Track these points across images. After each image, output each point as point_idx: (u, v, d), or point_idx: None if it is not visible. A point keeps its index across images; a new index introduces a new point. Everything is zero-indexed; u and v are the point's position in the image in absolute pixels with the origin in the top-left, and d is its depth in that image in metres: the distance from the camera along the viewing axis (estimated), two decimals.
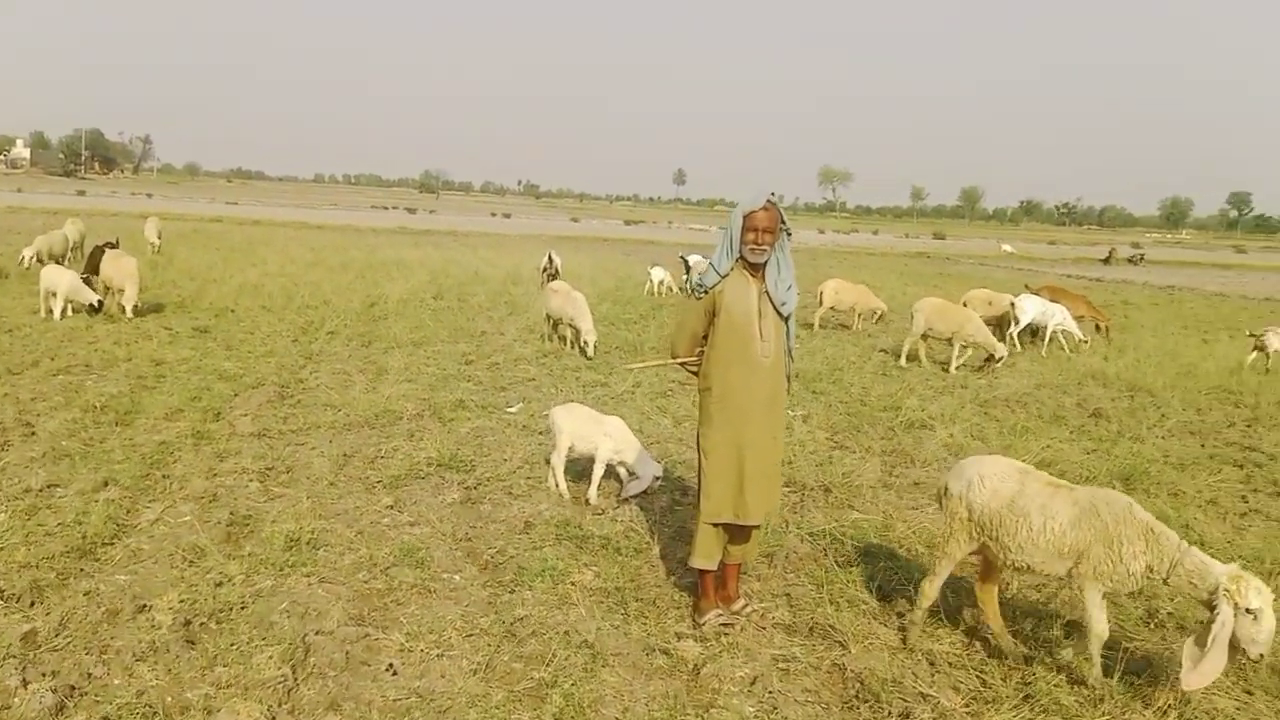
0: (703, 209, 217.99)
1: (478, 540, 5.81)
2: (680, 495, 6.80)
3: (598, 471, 6.62)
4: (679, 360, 4.77)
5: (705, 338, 4.66)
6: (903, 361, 12.83)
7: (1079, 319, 15.87)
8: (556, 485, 6.74)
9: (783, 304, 4.56)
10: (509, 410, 9.16)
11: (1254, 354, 14.07)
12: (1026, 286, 18.67)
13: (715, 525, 4.65)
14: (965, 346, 12.82)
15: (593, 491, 6.60)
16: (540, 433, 8.36)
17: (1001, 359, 12.58)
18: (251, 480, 6.68)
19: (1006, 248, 60.37)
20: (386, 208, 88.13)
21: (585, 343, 12.24)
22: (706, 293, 4.55)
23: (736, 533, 4.74)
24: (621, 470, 6.79)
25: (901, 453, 8.16)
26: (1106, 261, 51.21)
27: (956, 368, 12.65)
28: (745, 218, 4.43)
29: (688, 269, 21.78)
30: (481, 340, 13.30)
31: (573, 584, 5.13)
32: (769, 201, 4.43)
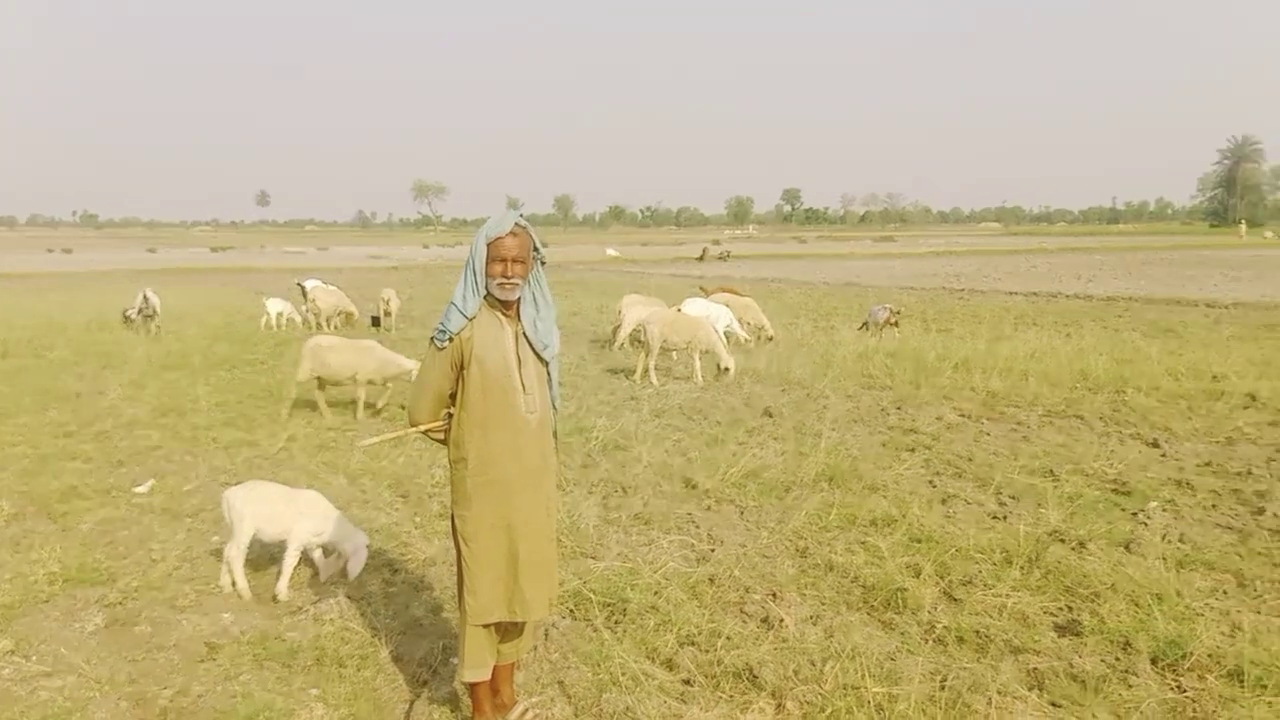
0: (292, 230, 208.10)
1: (147, 681, 4.45)
2: (391, 573, 5.77)
3: (290, 560, 5.42)
4: (422, 428, 3.80)
5: (453, 397, 3.76)
6: (644, 378, 12.50)
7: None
8: (234, 584, 5.45)
9: (545, 346, 3.78)
10: (138, 490, 7.51)
11: (895, 330, 16.52)
12: (702, 289, 19.15)
13: (486, 626, 3.78)
14: (702, 353, 12.78)
15: (283, 585, 5.41)
16: (189, 515, 6.89)
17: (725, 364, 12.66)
18: None
19: (611, 251, 62.70)
20: None
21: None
22: (451, 340, 3.64)
23: (509, 628, 3.89)
24: (317, 553, 5.66)
25: (611, 481, 7.63)
26: (701, 259, 54.59)
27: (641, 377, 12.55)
28: (490, 245, 3.60)
29: (306, 296, 20.10)
30: (78, 404, 11.07)
31: None
32: (518, 225, 3.63)
